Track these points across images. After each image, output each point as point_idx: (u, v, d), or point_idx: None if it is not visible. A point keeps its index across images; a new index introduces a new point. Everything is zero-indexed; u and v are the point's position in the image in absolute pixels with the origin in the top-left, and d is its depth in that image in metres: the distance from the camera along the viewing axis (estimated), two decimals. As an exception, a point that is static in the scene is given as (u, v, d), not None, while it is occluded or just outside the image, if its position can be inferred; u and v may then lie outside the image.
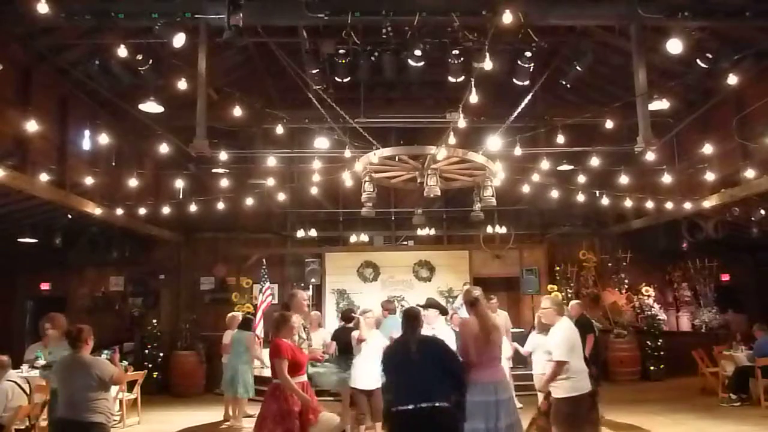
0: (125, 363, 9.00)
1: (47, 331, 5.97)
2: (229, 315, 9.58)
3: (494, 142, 7.79)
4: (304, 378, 5.12)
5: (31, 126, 7.14)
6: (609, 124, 8.54)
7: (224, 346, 9.05)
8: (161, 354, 11.50)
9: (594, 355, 8.03)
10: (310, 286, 12.49)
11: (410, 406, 3.99)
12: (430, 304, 7.17)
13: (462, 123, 6.81)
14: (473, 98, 6.28)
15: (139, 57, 6.98)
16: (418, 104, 12.31)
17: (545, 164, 9.34)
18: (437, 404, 3.98)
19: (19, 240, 10.07)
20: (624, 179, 9.94)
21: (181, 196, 11.09)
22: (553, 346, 5.27)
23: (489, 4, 6.63)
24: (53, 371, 4.86)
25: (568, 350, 5.20)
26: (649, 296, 12.23)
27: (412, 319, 4.48)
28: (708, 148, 8.86)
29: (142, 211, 10.22)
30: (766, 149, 8.12)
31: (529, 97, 8.20)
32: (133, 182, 9.78)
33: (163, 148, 8.63)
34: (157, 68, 7.27)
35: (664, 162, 10.13)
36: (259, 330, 10.10)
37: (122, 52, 6.67)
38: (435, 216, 12.98)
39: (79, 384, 4.47)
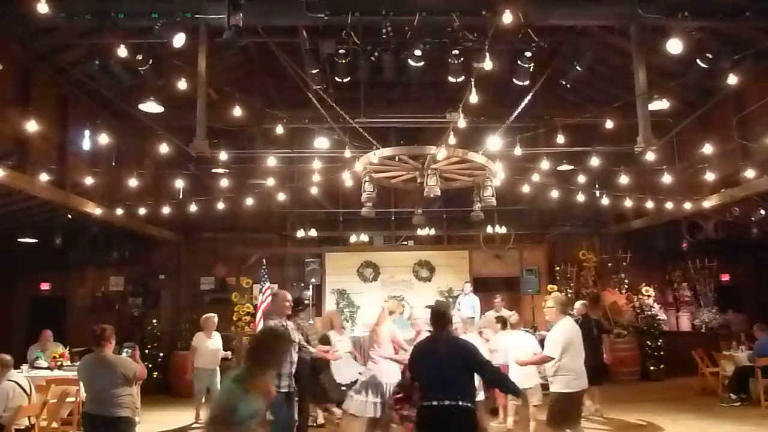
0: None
1: None
2: (204, 317, 8.95)
3: (494, 142, 7.79)
4: None
5: (31, 126, 7.14)
6: (609, 124, 8.53)
7: (192, 348, 8.64)
8: (161, 354, 11.50)
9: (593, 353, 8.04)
10: (310, 286, 12.50)
11: (434, 403, 4.07)
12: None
13: (462, 123, 6.82)
14: (473, 98, 6.28)
15: (139, 57, 6.97)
16: (418, 104, 12.29)
17: (545, 164, 9.34)
18: (460, 403, 4.04)
19: (19, 240, 10.07)
20: (624, 179, 9.94)
21: (181, 196, 11.08)
22: (548, 342, 5.55)
23: (489, 4, 6.62)
24: (79, 369, 5.05)
25: (562, 349, 5.40)
26: (649, 296, 12.23)
27: (438, 316, 4.47)
28: (708, 148, 8.87)
29: (142, 211, 10.22)
30: (766, 149, 8.12)
31: (529, 97, 8.19)
32: (133, 182, 9.77)
33: (163, 148, 8.63)
34: (157, 68, 7.26)
35: (664, 162, 10.12)
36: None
37: (122, 52, 6.66)
38: (435, 216, 12.98)
39: (104, 381, 4.67)
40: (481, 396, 6.00)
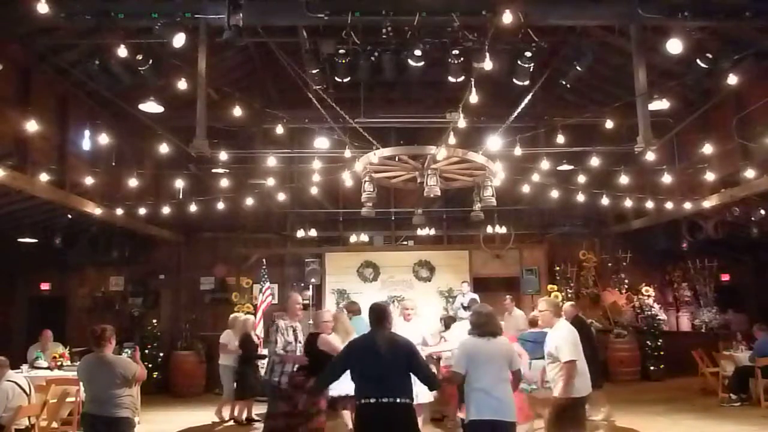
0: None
1: None
2: (232, 316, 9.47)
3: (494, 142, 7.78)
4: None
5: (31, 126, 7.14)
6: (609, 124, 8.53)
7: (222, 346, 8.97)
8: (161, 354, 11.50)
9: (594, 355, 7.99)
10: (310, 286, 12.50)
11: (372, 400, 4.10)
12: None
13: (462, 123, 6.81)
14: (473, 98, 6.27)
15: (139, 57, 6.99)
16: (418, 104, 12.30)
17: (545, 164, 9.34)
18: (398, 400, 4.11)
19: (19, 240, 10.06)
20: (624, 179, 9.93)
21: (181, 196, 11.08)
22: (558, 348, 5.22)
23: (489, 4, 6.62)
24: (78, 370, 5.03)
25: (574, 350, 5.21)
26: (649, 296, 12.22)
27: (379, 314, 4.49)
28: (708, 148, 8.86)
29: (142, 211, 10.21)
30: (766, 149, 8.12)
31: (529, 97, 8.19)
32: (133, 182, 9.77)
33: (163, 148, 8.62)
34: (157, 68, 7.28)
35: (664, 162, 10.13)
36: (259, 330, 10.09)
37: (122, 52, 6.67)
38: (435, 216, 12.98)
39: (104, 382, 4.67)
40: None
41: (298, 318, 6.40)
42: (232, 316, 9.41)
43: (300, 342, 6.16)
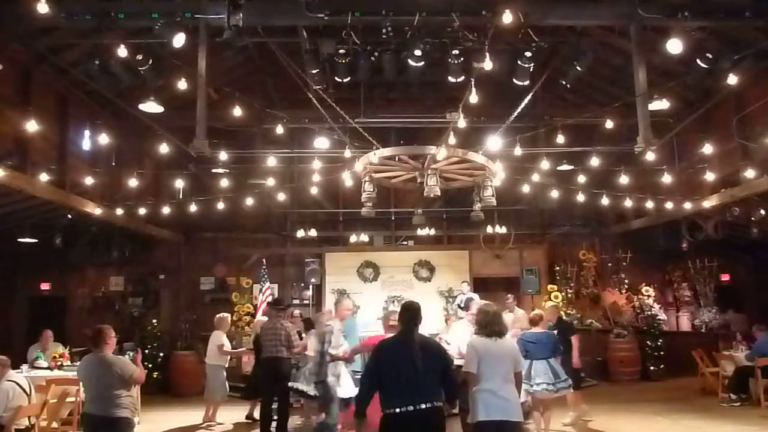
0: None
1: None
2: (218, 316, 9.25)
3: (494, 142, 7.79)
4: None
5: (31, 126, 7.15)
6: (609, 124, 8.54)
7: (219, 347, 8.84)
8: (161, 354, 11.49)
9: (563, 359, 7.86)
10: (310, 286, 12.50)
11: (410, 408, 3.95)
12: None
13: (462, 123, 6.81)
14: (473, 98, 6.28)
15: (139, 57, 6.98)
16: (418, 104, 12.30)
17: (545, 164, 9.34)
18: (435, 404, 4.01)
19: (19, 240, 10.07)
20: (624, 179, 9.93)
21: (181, 196, 11.08)
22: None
23: (489, 4, 6.63)
24: (78, 370, 5.04)
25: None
26: (649, 296, 12.22)
27: (413, 314, 4.27)
28: (708, 148, 8.87)
29: (142, 211, 10.22)
30: (766, 149, 8.12)
31: (529, 97, 8.20)
32: (133, 182, 9.79)
33: (163, 148, 8.63)
34: (157, 68, 7.27)
35: (664, 162, 10.13)
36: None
37: (122, 52, 6.67)
38: (435, 216, 12.98)
39: (102, 382, 4.68)
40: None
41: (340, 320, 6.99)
42: (217, 316, 9.25)
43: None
